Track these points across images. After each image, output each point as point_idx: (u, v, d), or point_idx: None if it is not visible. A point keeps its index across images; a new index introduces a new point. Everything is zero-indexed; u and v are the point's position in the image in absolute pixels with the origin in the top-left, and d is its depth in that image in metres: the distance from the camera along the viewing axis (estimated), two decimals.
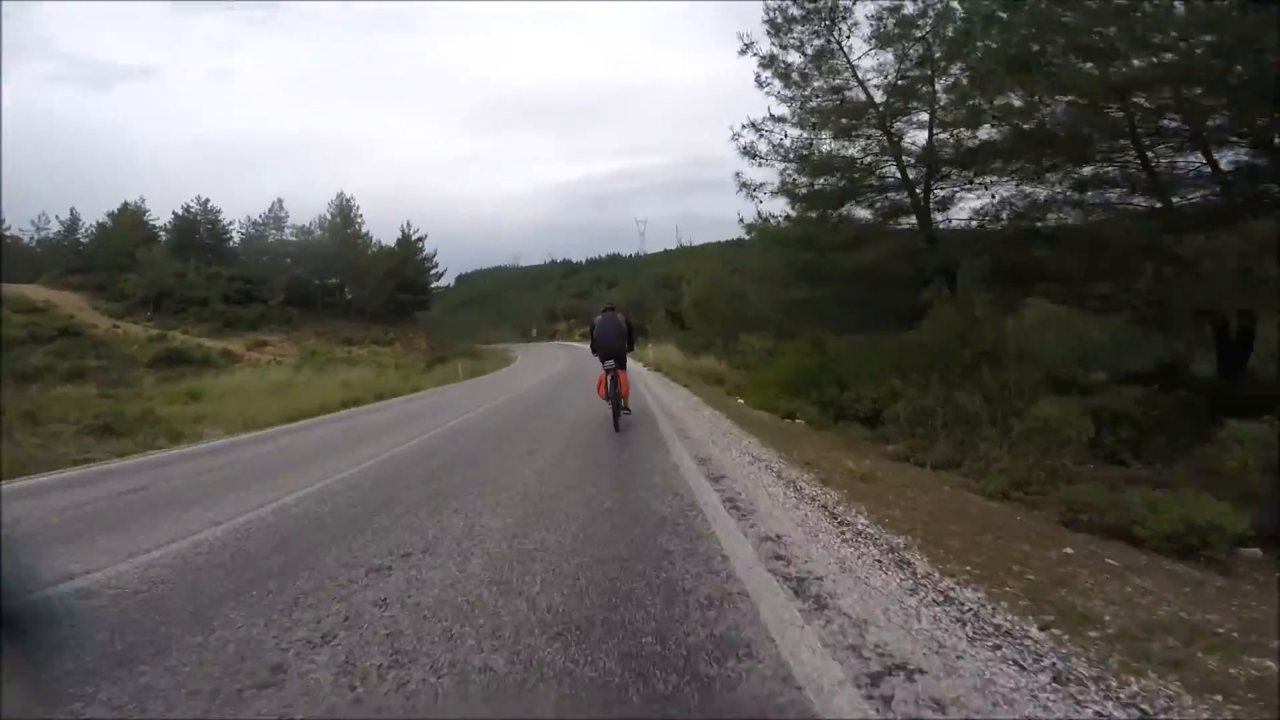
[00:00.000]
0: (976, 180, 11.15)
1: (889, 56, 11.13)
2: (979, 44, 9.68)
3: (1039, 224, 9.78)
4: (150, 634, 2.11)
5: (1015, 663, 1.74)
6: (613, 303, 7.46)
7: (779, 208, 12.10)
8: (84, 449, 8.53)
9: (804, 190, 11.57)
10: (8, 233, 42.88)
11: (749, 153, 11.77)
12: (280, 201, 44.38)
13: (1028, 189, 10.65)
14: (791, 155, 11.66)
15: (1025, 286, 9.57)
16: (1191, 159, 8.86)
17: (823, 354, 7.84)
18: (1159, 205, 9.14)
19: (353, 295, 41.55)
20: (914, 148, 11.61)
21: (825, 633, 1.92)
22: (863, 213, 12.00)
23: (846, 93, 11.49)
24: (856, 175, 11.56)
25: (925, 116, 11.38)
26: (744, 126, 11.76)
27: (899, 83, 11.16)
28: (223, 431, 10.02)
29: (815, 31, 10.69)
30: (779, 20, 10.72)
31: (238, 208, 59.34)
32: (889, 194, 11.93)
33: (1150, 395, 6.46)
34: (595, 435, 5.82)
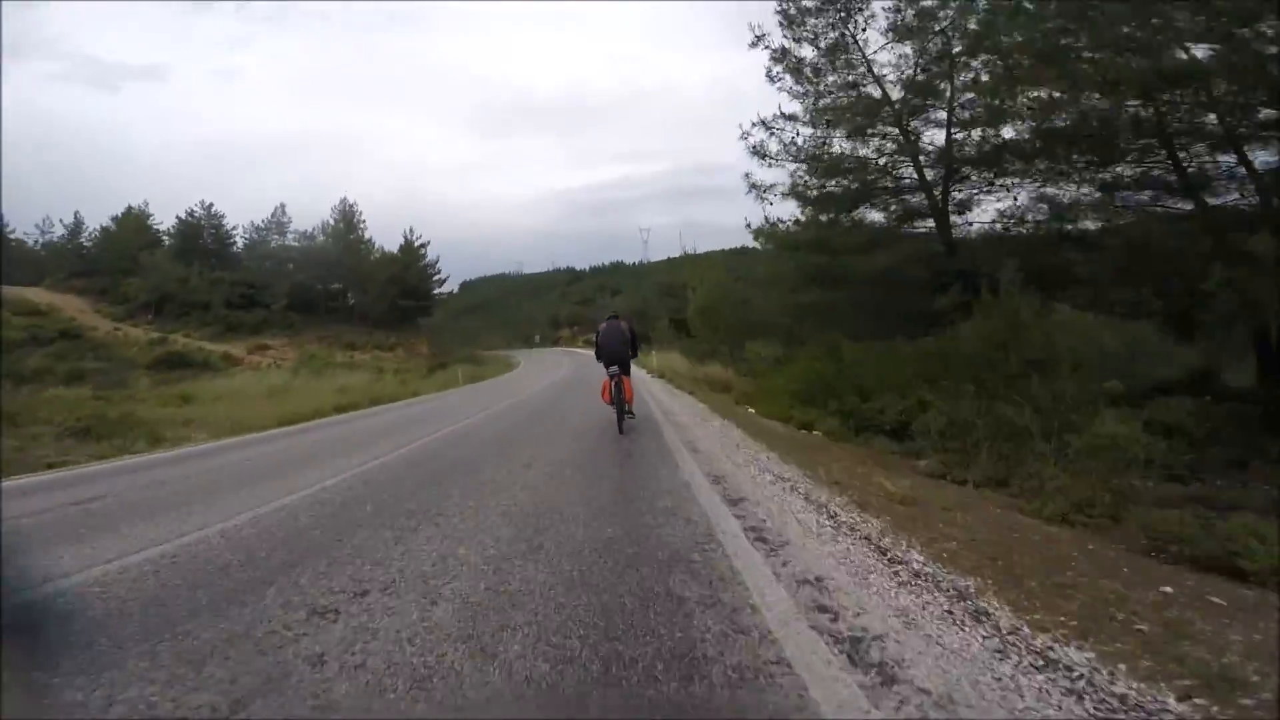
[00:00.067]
0: (998, 182, 10.69)
1: (906, 50, 10.74)
2: (1004, 38, 9.25)
3: (1070, 226, 9.29)
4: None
5: None
6: (616, 311, 7.66)
7: (788, 212, 11.64)
8: (62, 452, 8.11)
9: (815, 192, 11.13)
10: (12, 236, 42.94)
11: (759, 152, 11.35)
12: (283, 206, 44.39)
13: (1050, 190, 10.19)
14: (803, 155, 11.22)
15: (1054, 291, 9.09)
16: (1225, 159, 8.39)
17: (840, 361, 7.31)
18: (1193, 207, 8.66)
19: (356, 301, 41.30)
20: (931, 148, 11.17)
21: None
22: (876, 216, 11.55)
23: (862, 89, 11.07)
24: (870, 177, 11.11)
25: (943, 115, 10.94)
26: (754, 125, 11.35)
27: (917, 78, 10.73)
28: (208, 436, 9.61)
29: (830, 24, 10.29)
30: (792, 12, 10.33)
31: (241, 209, 59.59)
32: (904, 196, 11.46)
33: (1202, 407, 5.91)
34: (597, 445, 5.32)
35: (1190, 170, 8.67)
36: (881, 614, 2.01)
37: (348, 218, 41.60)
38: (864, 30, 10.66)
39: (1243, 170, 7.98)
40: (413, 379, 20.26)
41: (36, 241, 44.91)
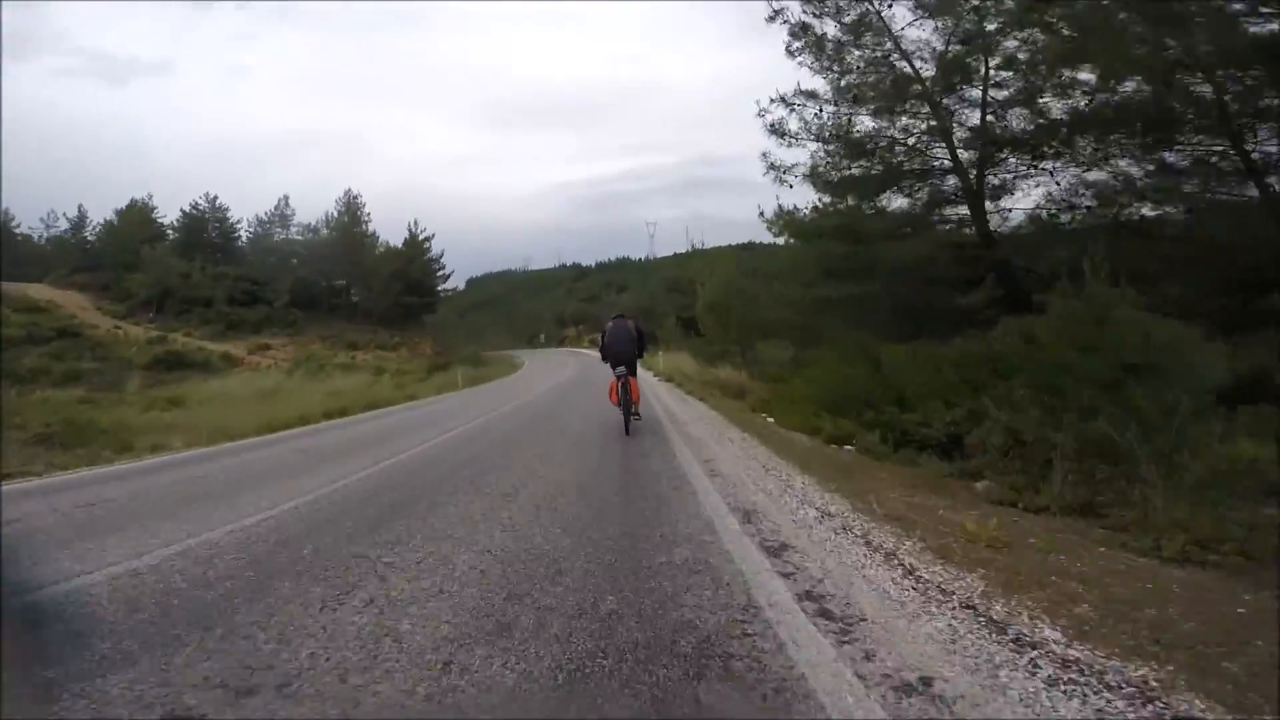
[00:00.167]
0: (1040, 165, 9.82)
1: (936, 26, 9.89)
2: (1048, 14, 8.42)
3: (1128, 212, 8.43)
4: None
5: None
6: (623, 310, 7.82)
7: (804, 201, 10.82)
8: (25, 461, 7.46)
9: (838, 175, 10.31)
10: (17, 230, 42.72)
11: (777, 130, 10.50)
12: (286, 199, 43.86)
13: (1093, 175, 9.32)
14: (826, 133, 10.39)
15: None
16: None
17: (875, 364, 6.50)
18: (1259, 194, 7.81)
19: (359, 297, 40.72)
20: (964, 128, 10.31)
21: None
22: (902, 202, 10.70)
23: (889, 66, 10.23)
24: (897, 160, 10.29)
25: (977, 93, 10.09)
26: (772, 101, 10.51)
27: (948, 56, 9.87)
28: (183, 443, 8.99)
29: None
30: None
31: (246, 205, 58.88)
32: (933, 180, 10.62)
33: None
34: (599, 467, 4.52)
35: (1254, 154, 7.82)
36: None
37: (352, 210, 40.98)
38: (890, 6, 9.84)
39: None
40: (410, 382, 19.61)
41: (41, 236, 44.68)
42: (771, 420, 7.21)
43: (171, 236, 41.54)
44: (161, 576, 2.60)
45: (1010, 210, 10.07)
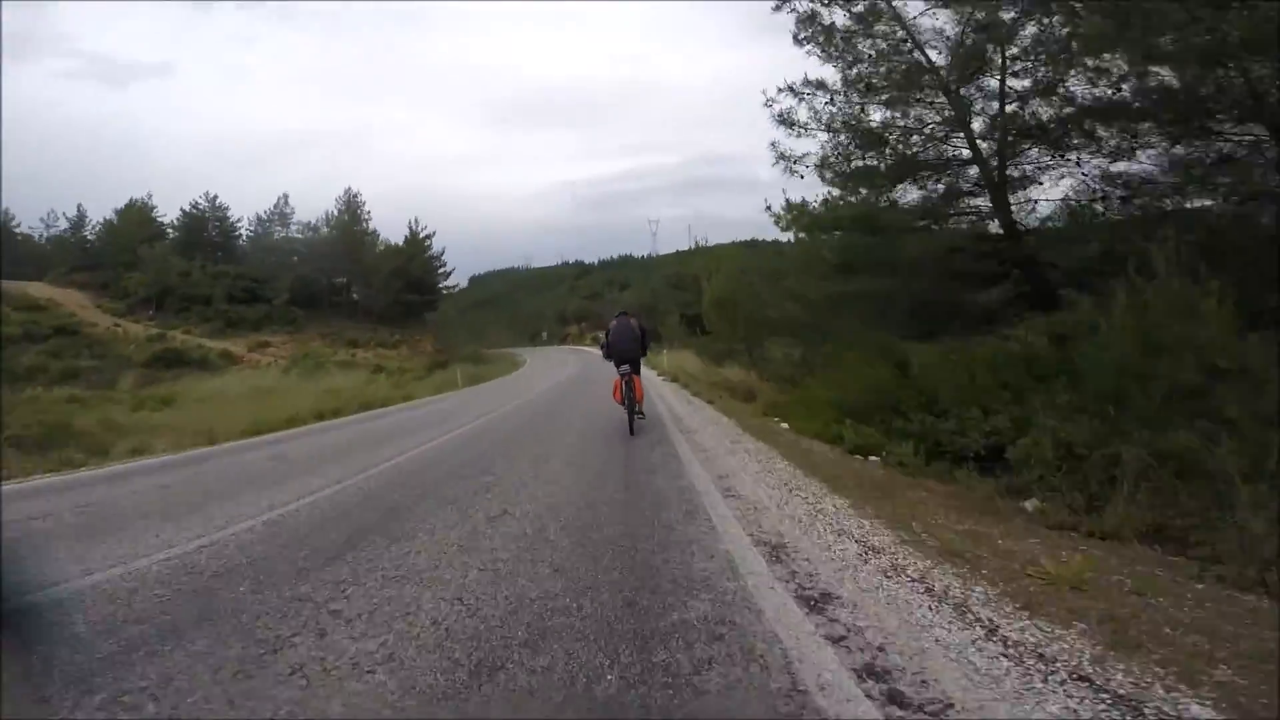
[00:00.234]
0: (1068, 156, 9.25)
1: (952, 15, 9.32)
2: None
3: (1164, 205, 7.85)
4: None
5: None
6: (626, 307, 7.56)
7: (813, 194, 10.29)
8: None
9: (850, 167, 9.77)
10: (18, 230, 42.58)
11: (785, 120, 9.95)
12: (286, 197, 43.60)
13: (1120, 167, 8.75)
14: (838, 123, 9.85)
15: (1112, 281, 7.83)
16: None
17: (903, 365, 5.98)
18: None
19: (360, 295, 40.37)
20: (981, 118, 9.76)
21: None
22: (915, 195, 10.18)
23: (902, 56, 9.67)
24: (911, 151, 9.74)
25: (994, 83, 9.53)
26: (780, 90, 9.96)
27: (963, 47, 9.31)
28: (164, 446, 8.58)
29: None
30: None
31: (249, 205, 58.81)
32: (950, 172, 10.06)
33: None
34: (598, 482, 3.98)
35: None
36: None
37: (352, 208, 40.64)
38: None
39: None
40: (408, 380, 19.16)
41: (41, 235, 44.54)
42: (786, 426, 6.69)
43: (171, 235, 41.34)
44: (60, 617, 2.13)
45: (1036, 202, 9.51)
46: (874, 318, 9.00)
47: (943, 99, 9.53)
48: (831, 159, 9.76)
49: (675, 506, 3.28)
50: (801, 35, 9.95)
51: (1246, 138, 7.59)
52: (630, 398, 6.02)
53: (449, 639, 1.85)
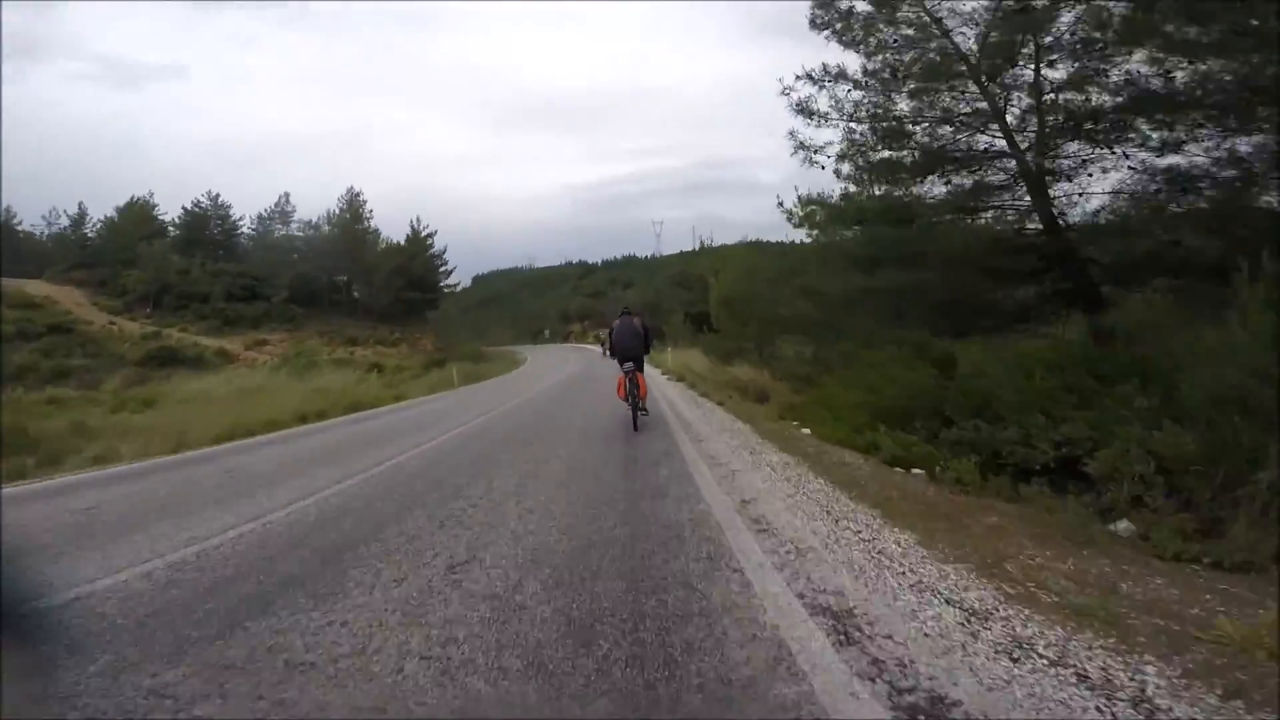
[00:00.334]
0: (1116, 149, 8.46)
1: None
2: None
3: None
4: None
5: None
6: (629, 306, 7.66)
7: (828, 189, 9.60)
8: None
9: (874, 159, 9.04)
10: (20, 228, 42.32)
11: (804, 110, 9.23)
12: (287, 195, 43.26)
13: (1164, 160, 7.97)
14: (861, 113, 9.12)
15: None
16: None
17: (941, 364, 5.24)
18: None
19: (360, 293, 39.87)
20: (1016, 109, 9.00)
21: None
22: (940, 189, 9.47)
23: (927, 44, 8.92)
24: (939, 144, 9.00)
25: (1029, 73, 8.77)
26: (798, 78, 9.24)
27: (990, 39, 8.54)
28: (130, 453, 7.98)
29: None
30: None
31: (251, 205, 58.55)
32: (983, 165, 9.31)
33: None
34: (596, 515, 3.13)
35: None
36: None
37: (354, 207, 40.15)
38: None
39: None
40: (404, 379, 18.51)
41: (43, 233, 44.26)
42: (808, 432, 5.95)
43: (173, 234, 41.02)
44: None
45: (1079, 195, 8.73)
46: (893, 315, 8.29)
47: (974, 90, 8.79)
48: (854, 150, 9.04)
49: (692, 547, 2.54)
50: (819, 20, 9.25)
51: None
52: (634, 394, 6.16)
53: None
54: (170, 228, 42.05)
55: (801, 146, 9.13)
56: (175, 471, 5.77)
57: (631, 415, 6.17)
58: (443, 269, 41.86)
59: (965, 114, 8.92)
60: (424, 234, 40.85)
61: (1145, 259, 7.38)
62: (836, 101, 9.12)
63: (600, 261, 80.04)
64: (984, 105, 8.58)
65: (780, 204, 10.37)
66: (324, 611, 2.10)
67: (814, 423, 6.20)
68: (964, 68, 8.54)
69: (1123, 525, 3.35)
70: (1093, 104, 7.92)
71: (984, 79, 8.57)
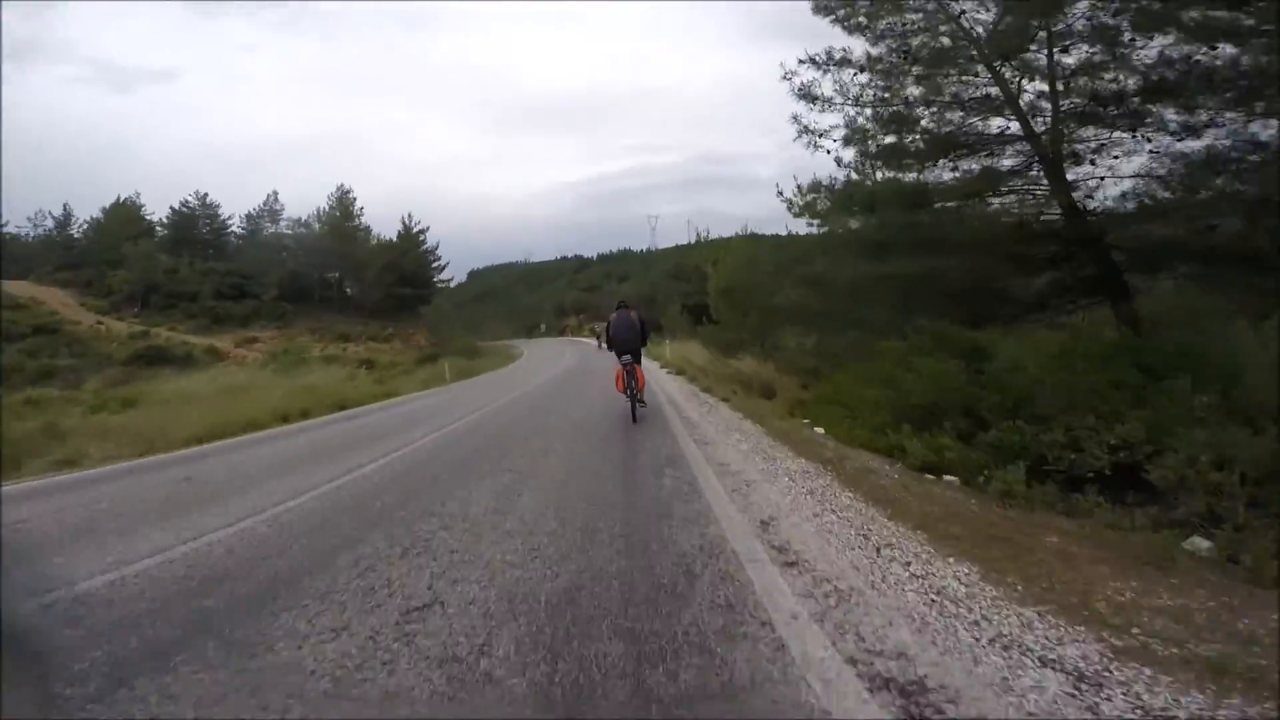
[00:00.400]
0: (1138, 133, 7.99)
1: None
2: None
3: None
4: None
5: None
6: (625, 299, 7.77)
7: (828, 177, 9.19)
8: None
9: (880, 145, 8.59)
10: (5, 230, 41.53)
11: (806, 95, 8.78)
12: (275, 194, 42.61)
13: (1186, 145, 7.51)
14: (867, 98, 8.65)
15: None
16: None
17: (973, 357, 4.77)
18: None
19: (352, 290, 39.29)
20: (1031, 94, 8.53)
21: None
22: (948, 175, 9.02)
23: (934, 28, 8.43)
24: (947, 130, 8.53)
25: (1043, 59, 8.28)
26: (801, 62, 8.77)
27: (1001, 26, 8.04)
28: (99, 457, 7.56)
29: None
30: None
31: (246, 206, 57.81)
32: (996, 149, 8.84)
33: None
34: (586, 546, 2.57)
35: None
36: None
37: (344, 205, 39.51)
38: None
39: None
40: (395, 375, 18.00)
41: (29, 235, 43.46)
42: (821, 431, 5.49)
43: (160, 234, 40.37)
44: None
45: (1101, 179, 8.26)
46: (902, 304, 7.84)
47: (986, 75, 8.30)
48: (859, 135, 8.58)
49: (707, 589, 2.05)
50: (822, 3, 8.77)
51: None
52: (632, 386, 6.26)
53: None
54: (158, 228, 41.41)
55: (806, 130, 8.67)
56: (132, 479, 5.29)
57: (630, 407, 6.31)
58: (435, 265, 41.27)
59: (975, 98, 8.46)
60: (416, 230, 40.23)
61: (1172, 244, 6.95)
62: (841, 86, 8.67)
63: (596, 256, 79.39)
64: (995, 90, 8.14)
65: (780, 193, 9.98)
66: (233, 672, 1.63)
67: (828, 421, 5.73)
68: (974, 52, 8.08)
69: (1203, 544, 2.90)
70: (1117, 86, 7.45)
71: (998, 62, 8.09)
